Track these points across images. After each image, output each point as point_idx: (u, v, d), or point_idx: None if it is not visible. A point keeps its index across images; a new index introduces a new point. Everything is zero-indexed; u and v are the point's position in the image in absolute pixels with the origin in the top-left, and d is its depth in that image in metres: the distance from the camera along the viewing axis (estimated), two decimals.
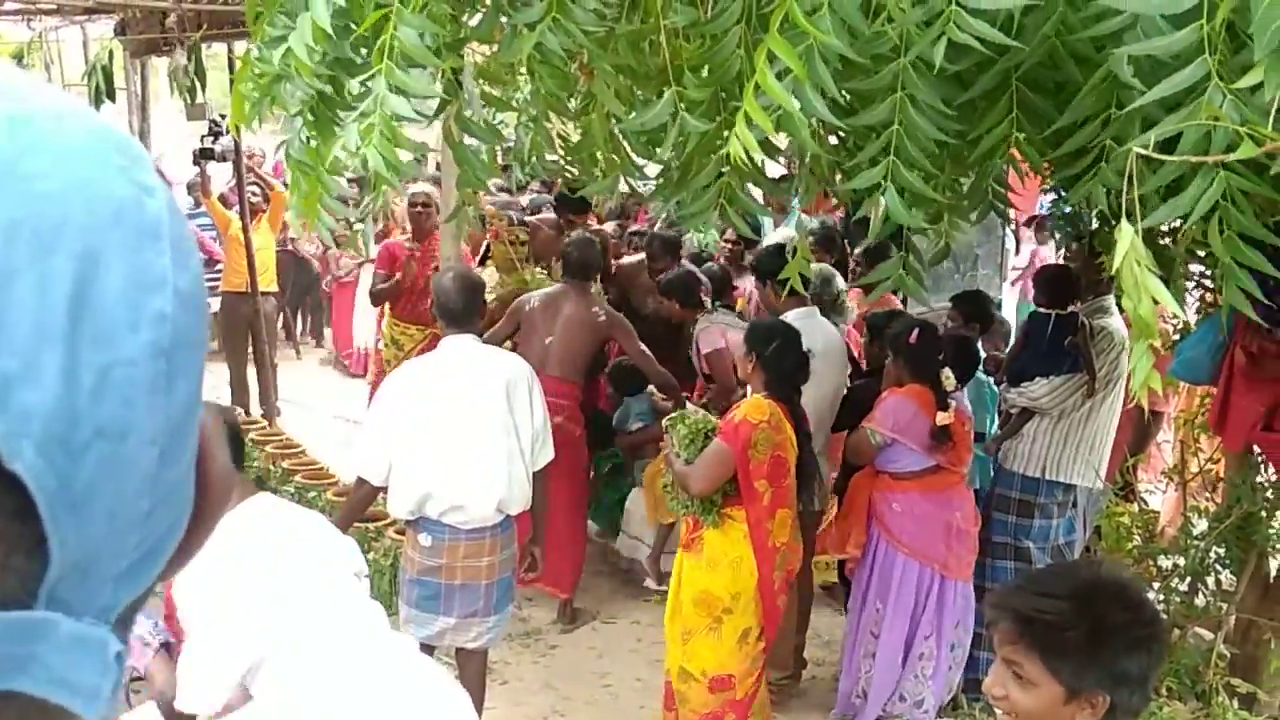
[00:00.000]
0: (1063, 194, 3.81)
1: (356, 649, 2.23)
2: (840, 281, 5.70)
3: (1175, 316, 4.09)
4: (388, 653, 2.23)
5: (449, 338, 4.16)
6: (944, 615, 4.41)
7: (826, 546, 4.93)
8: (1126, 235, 1.45)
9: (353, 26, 2.45)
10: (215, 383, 8.82)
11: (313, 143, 2.63)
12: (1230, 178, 1.70)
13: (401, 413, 4.02)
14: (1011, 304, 9.02)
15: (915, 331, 4.37)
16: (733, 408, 4.29)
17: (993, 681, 1.78)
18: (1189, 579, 4.20)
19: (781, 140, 2.53)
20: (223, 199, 8.71)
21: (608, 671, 5.25)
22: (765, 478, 4.04)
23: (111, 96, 7.64)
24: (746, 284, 6.37)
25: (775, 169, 4.39)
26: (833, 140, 2.83)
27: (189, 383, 0.44)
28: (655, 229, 7.46)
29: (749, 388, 4.35)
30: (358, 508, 4.32)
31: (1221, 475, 4.50)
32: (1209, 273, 3.79)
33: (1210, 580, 4.20)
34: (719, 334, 5.60)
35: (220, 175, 8.97)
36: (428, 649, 4.16)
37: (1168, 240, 3.31)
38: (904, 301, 5.72)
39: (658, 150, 2.84)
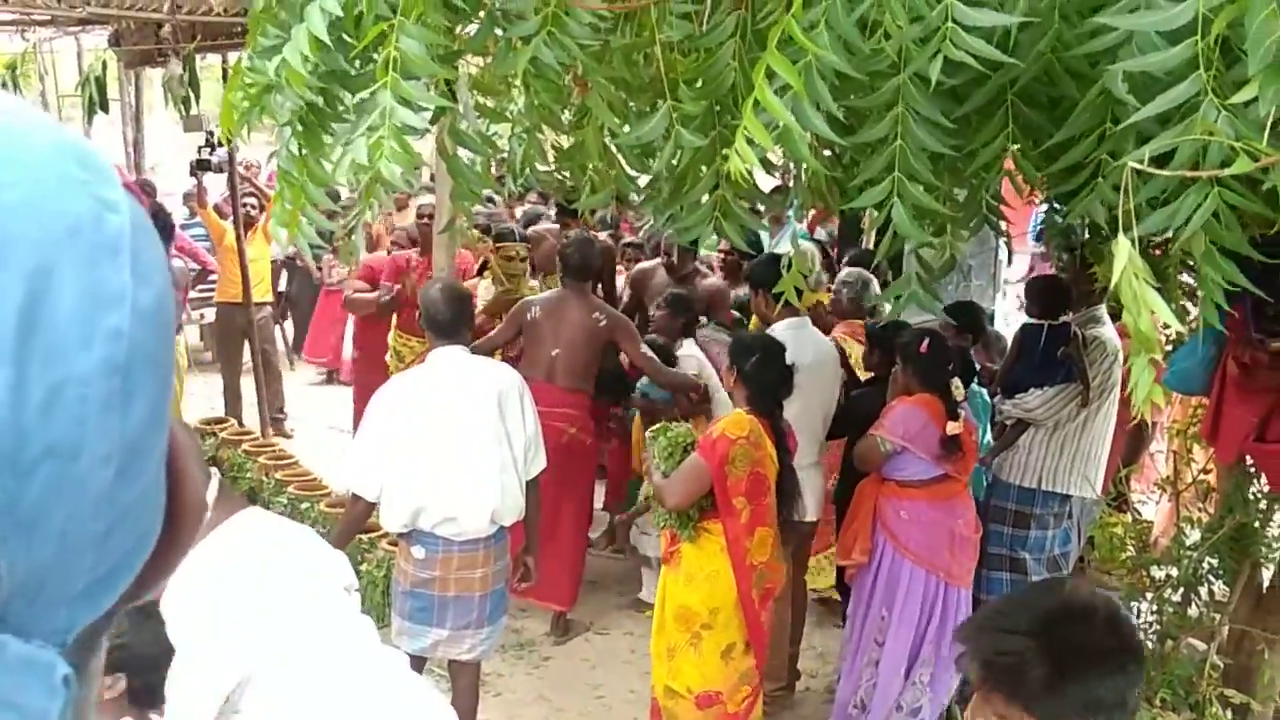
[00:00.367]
0: (1056, 206, 3.82)
1: (344, 664, 2.22)
2: (876, 286, 5.70)
3: (1169, 327, 4.10)
4: (375, 668, 2.23)
5: (438, 349, 4.15)
6: (946, 623, 4.42)
7: (830, 543, 4.92)
8: (1124, 249, 1.45)
9: (346, 38, 2.45)
10: (210, 393, 8.82)
11: (302, 153, 2.63)
12: (1223, 193, 1.70)
13: (393, 426, 4.01)
14: (1006, 315, 9.01)
15: (926, 341, 4.39)
16: (712, 422, 4.28)
17: (972, 712, 1.77)
18: (1182, 589, 4.21)
19: (775, 154, 2.54)
20: (218, 209, 8.70)
21: (601, 683, 5.24)
22: (744, 494, 3.98)
23: (105, 108, 7.63)
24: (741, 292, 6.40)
25: (767, 181, 4.40)
26: (826, 153, 2.84)
27: (148, 401, 0.43)
28: (649, 239, 7.49)
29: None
30: (354, 524, 4.30)
31: (1214, 486, 4.51)
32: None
33: (1203, 591, 4.20)
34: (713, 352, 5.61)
35: (216, 186, 8.95)
36: (420, 661, 4.15)
37: (1158, 252, 3.33)
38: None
39: (652, 163, 2.85)
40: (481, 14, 2.64)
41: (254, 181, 9.26)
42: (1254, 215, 1.90)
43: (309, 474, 6.58)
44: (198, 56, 7.30)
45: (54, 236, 0.40)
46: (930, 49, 1.77)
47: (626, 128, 2.68)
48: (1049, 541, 4.99)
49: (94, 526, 0.41)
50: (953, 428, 4.30)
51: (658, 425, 4.46)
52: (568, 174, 3.26)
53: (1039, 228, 9.70)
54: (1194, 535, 4.25)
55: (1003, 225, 2.83)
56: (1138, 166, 1.59)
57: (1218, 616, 4.04)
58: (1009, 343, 5.58)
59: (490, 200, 8.48)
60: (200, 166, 7.77)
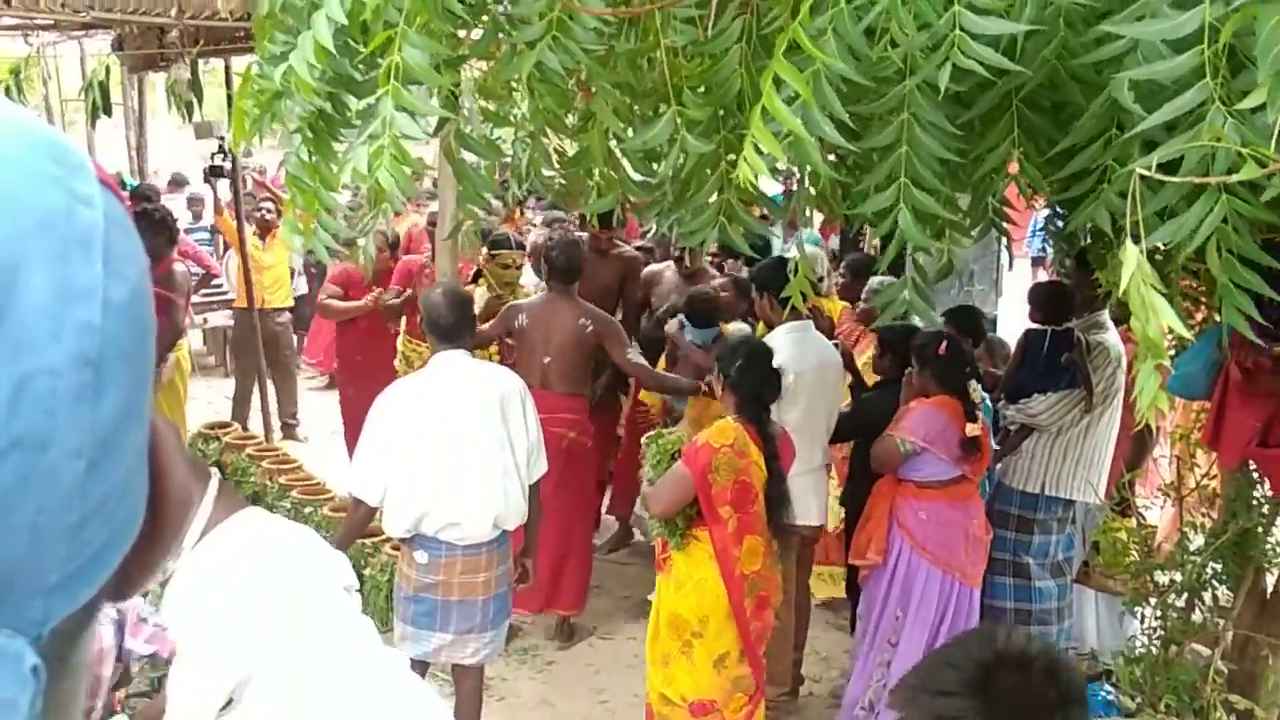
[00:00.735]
0: (1058, 211, 3.81)
1: (345, 664, 2.22)
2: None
3: (1173, 332, 4.10)
4: (376, 669, 2.22)
5: (440, 354, 4.15)
6: (958, 623, 4.43)
7: (836, 559, 4.91)
8: (1132, 256, 1.46)
9: (351, 44, 2.46)
10: (212, 397, 8.82)
11: (312, 159, 2.64)
12: (1231, 200, 1.71)
13: (396, 431, 4.01)
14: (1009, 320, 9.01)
15: (943, 344, 4.39)
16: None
17: None
18: (1186, 594, 4.20)
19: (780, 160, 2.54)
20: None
21: (604, 687, 5.23)
22: (729, 503, 3.95)
23: (109, 112, 7.64)
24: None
25: (770, 185, 4.41)
26: (830, 159, 2.84)
27: (121, 394, 0.43)
28: (658, 243, 7.50)
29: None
30: (356, 529, 4.30)
31: (1218, 490, 4.51)
32: (1202, 289, 3.80)
33: (1207, 596, 4.20)
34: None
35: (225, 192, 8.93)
36: (424, 666, 4.15)
37: (1160, 258, 3.33)
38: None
39: (657, 167, 2.85)
40: (485, 19, 2.64)
41: (270, 186, 9.24)
42: (1256, 219, 1.91)
43: (312, 478, 6.58)
44: (200, 61, 7.31)
45: (24, 230, 0.40)
46: (938, 57, 1.78)
47: (631, 132, 2.68)
48: (1052, 546, 4.99)
49: (66, 519, 0.41)
50: (972, 429, 4.32)
51: (652, 431, 4.46)
52: (569, 179, 3.27)
53: (1037, 231, 9.72)
54: (1198, 540, 4.25)
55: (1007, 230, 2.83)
56: (1145, 173, 1.60)
57: (1221, 622, 4.03)
58: (1012, 348, 5.58)
59: (488, 209, 8.45)
60: (214, 173, 7.76)
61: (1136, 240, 1.55)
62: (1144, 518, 5.26)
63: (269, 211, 8.44)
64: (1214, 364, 3.76)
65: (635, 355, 5.53)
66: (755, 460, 4.00)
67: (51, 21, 7.41)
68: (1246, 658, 4.00)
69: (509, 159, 3.40)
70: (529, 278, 7.07)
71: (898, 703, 1.74)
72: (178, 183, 12.24)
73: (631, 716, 4.94)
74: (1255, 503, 3.99)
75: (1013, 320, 7.37)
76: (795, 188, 3.30)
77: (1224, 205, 1.70)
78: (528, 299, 5.81)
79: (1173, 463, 4.96)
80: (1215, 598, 4.21)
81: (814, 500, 4.93)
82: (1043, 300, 5.12)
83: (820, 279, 6.13)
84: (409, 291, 6.73)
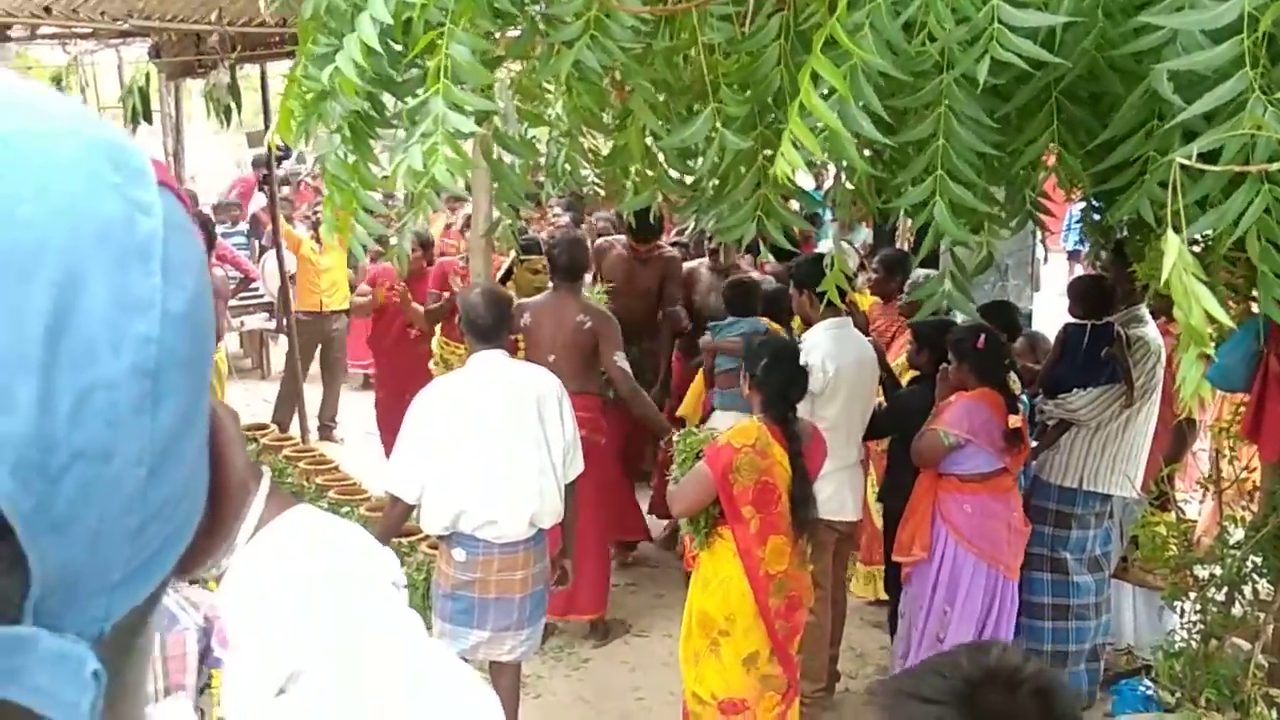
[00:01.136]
0: (1095, 204, 3.80)
1: (394, 659, 2.25)
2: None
3: (1214, 322, 4.07)
4: (426, 661, 2.25)
5: (478, 353, 4.18)
6: (1002, 616, 4.42)
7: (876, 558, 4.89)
8: (1173, 246, 1.46)
9: (391, 44, 2.49)
10: (249, 399, 8.90)
11: (350, 158, 2.68)
12: (1272, 189, 1.70)
13: (434, 430, 4.04)
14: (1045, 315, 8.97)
15: (982, 337, 4.39)
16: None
17: None
18: (1226, 588, 4.18)
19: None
20: (255, 219, 8.75)
21: (640, 685, 5.25)
22: (751, 503, 3.91)
23: (149, 119, 7.72)
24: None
25: (804, 180, 4.41)
26: (866, 153, 2.84)
27: (179, 402, 0.44)
28: (693, 240, 7.52)
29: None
30: (392, 526, 4.32)
31: (1258, 484, 4.48)
32: (1240, 278, 3.78)
33: (1247, 590, 4.17)
34: None
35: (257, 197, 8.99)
36: None
37: (1200, 249, 3.31)
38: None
39: (694, 164, 2.87)
40: (522, 19, 2.67)
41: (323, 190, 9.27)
42: None
43: (348, 478, 6.63)
44: (237, 67, 7.38)
45: (83, 243, 0.40)
46: (976, 50, 1.78)
47: (669, 130, 2.70)
48: (1090, 541, 4.96)
49: (127, 523, 0.42)
50: (1014, 421, 4.33)
51: (682, 430, 4.46)
52: (605, 177, 3.29)
53: (1073, 226, 9.65)
54: (1238, 534, 4.22)
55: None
56: (1185, 163, 1.60)
57: (1262, 615, 4.01)
58: (1051, 342, 5.55)
59: (516, 211, 8.45)
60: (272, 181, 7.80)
61: (1178, 230, 1.56)
62: (1183, 512, 5.23)
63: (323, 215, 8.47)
64: (1253, 355, 3.73)
65: (622, 361, 5.49)
66: (779, 460, 3.95)
67: (90, 30, 7.51)
68: None
69: (544, 157, 3.43)
70: None
71: (880, 701, 1.71)
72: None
73: (668, 714, 4.95)
74: None
75: (1049, 315, 7.34)
76: (831, 182, 3.31)
77: (1265, 195, 1.70)
78: (532, 297, 5.81)
79: (1211, 455, 4.93)
80: (1255, 591, 4.18)
81: (850, 496, 4.92)
82: (1082, 294, 5.09)
83: (854, 274, 6.12)
84: (447, 295, 6.75)
